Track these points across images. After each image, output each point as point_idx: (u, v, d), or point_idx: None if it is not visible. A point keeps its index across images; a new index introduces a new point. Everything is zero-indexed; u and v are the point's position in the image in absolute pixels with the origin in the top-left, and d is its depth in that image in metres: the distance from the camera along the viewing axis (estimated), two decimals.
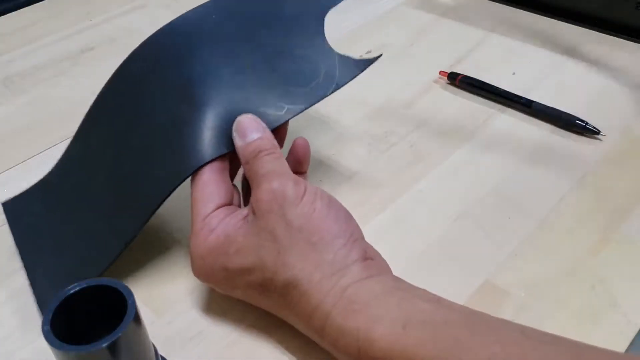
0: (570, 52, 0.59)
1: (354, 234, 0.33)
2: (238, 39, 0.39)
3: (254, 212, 0.34)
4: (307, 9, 0.40)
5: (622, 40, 0.59)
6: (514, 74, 0.57)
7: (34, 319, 0.38)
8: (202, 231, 0.35)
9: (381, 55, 0.40)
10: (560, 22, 0.63)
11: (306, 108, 0.38)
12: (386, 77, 0.58)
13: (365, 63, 0.40)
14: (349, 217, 0.34)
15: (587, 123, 0.48)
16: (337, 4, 0.41)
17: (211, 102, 0.37)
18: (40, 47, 0.66)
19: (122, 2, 0.74)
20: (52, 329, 0.26)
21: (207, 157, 0.36)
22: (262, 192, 0.34)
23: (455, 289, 0.38)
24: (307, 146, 0.39)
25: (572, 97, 0.41)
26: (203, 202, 0.35)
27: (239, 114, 0.37)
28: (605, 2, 0.60)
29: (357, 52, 0.61)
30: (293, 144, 0.39)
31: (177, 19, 0.41)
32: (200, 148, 0.36)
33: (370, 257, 0.33)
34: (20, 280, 0.40)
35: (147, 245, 0.42)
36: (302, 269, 0.32)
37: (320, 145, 0.50)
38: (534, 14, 0.66)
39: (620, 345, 0.34)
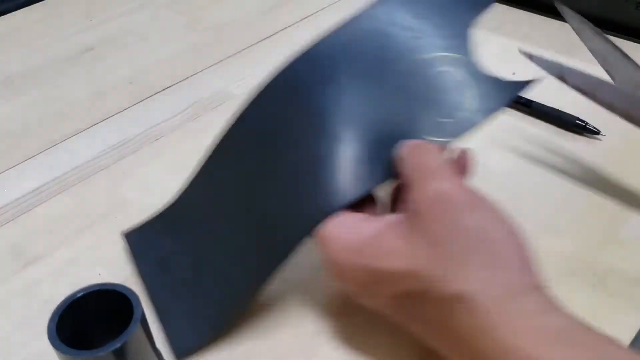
0: (570, 51, 0.59)
1: (527, 254, 0.29)
2: (377, 67, 0.36)
3: (410, 214, 0.30)
4: (452, 31, 0.37)
5: (622, 40, 0.59)
6: (514, 74, 0.57)
7: (34, 319, 0.38)
8: (340, 231, 0.31)
9: (532, 81, 0.36)
10: (560, 22, 0.63)
11: (454, 141, 0.35)
12: None
13: (518, 86, 0.36)
14: (519, 233, 0.30)
15: (587, 123, 0.48)
16: (481, 13, 0.37)
17: (353, 137, 0.34)
18: (40, 47, 0.66)
19: (122, 2, 0.74)
20: (58, 333, 0.26)
21: (352, 196, 0.33)
22: (428, 191, 0.30)
23: None
24: (472, 157, 0.35)
25: (572, 97, 0.41)
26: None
27: (386, 147, 0.34)
28: (605, 2, 0.60)
29: None
30: (457, 154, 0.36)
31: (309, 46, 0.38)
32: (344, 186, 0.33)
33: (544, 285, 0.29)
34: (20, 280, 0.40)
35: None
36: (472, 283, 0.27)
37: None
38: (534, 14, 0.65)
39: None
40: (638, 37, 0.59)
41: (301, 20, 0.68)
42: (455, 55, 0.36)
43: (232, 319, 0.35)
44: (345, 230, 0.31)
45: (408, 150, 0.32)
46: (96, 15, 0.72)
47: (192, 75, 0.60)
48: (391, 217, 0.31)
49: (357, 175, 0.33)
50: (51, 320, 0.26)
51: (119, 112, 0.56)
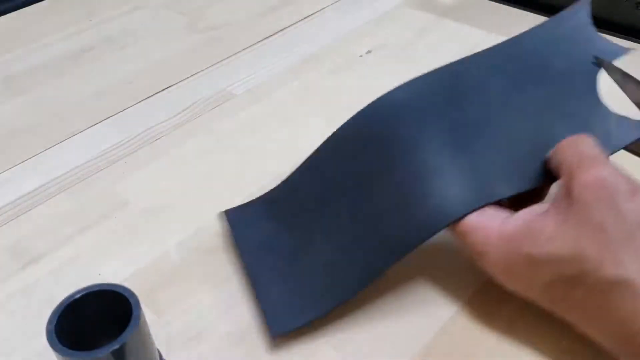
0: None
1: None
2: (506, 93, 0.38)
3: (569, 201, 0.31)
4: (578, 65, 0.38)
5: (622, 40, 0.59)
6: None
7: (34, 319, 0.38)
8: (489, 220, 0.32)
9: None
10: None
11: None
12: (387, 76, 0.57)
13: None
14: None
15: None
16: (612, 58, 0.39)
17: (483, 151, 0.36)
18: (40, 47, 0.66)
19: (122, 2, 0.74)
20: (57, 334, 0.26)
21: (500, 195, 0.34)
22: (588, 179, 0.30)
23: (456, 289, 0.38)
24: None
25: None
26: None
27: (533, 153, 0.35)
28: (605, 2, 0.60)
29: (357, 52, 0.62)
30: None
31: (443, 67, 0.39)
32: (491, 184, 0.34)
33: None
34: (20, 280, 0.40)
35: (148, 245, 0.42)
36: (634, 268, 0.28)
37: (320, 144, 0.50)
38: (534, 14, 0.66)
39: None
40: (638, 37, 0.59)
41: (301, 20, 0.68)
42: (581, 92, 0.38)
43: (336, 304, 0.36)
44: (493, 220, 0.32)
45: (567, 142, 0.34)
46: (96, 15, 0.72)
47: (192, 75, 0.60)
48: (539, 207, 0.32)
49: (508, 175, 0.35)
50: (50, 321, 0.26)
51: (119, 112, 0.56)
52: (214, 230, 0.43)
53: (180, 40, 0.66)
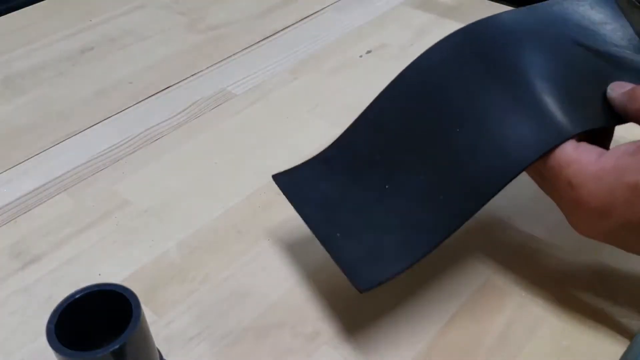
0: None
1: None
2: (562, 41, 0.37)
3: None
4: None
5: None
6: None
7: (34, 319, 0.38)
8: (583, 151, 0.32)
9: None
10: None
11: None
12: (386, 77, 0.57)
13: None
14: None
15: None
16: None
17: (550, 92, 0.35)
18: (40, 47, 0.66)
19: (122, 2, 0.74)
20: (57, 334, 0.26)
21: (585, 127, 0.33)
22: None
23: (456, 289, 0.38)
24: None
25: None
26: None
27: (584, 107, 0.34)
28: None
29: (357, 52, 0.62)
30: None
31: (495, 16, 0.38)
32: (572, 119, 0.33)
33: None
34: (20, 280, 0.40)
35: (148, 245, 0.42)
36: None
37: (320, 146, 0.50)
38: None
39: (620, 345, 0.34)
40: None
41: (301, 20, 0.68)
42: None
43: (419, 256, 0.34)
44: (590, 153, 0.32)
45: None
46: (96, 15, 0.72)
47: (192, 75, 0.60)
48: (633, 146, 0.31)
49: (580, 113, 0.34)
50: (50, 321, 0.26)
51: (119, 112, 0.56)
52: (214, 230, 0.43)
53: (180, 40, 0.66)
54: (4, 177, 0.49)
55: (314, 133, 0.51)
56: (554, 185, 0.33)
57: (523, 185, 0.45)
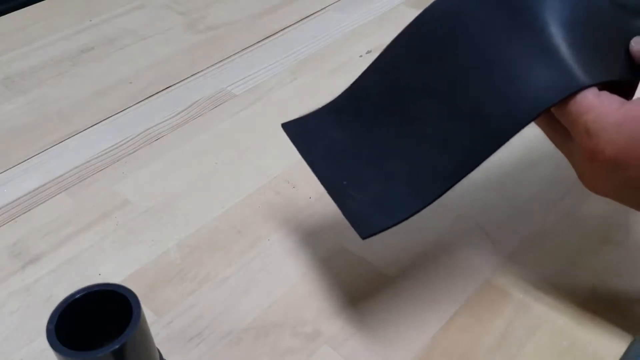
0: None
1: None
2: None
3: None
4: None
5: None
6: None
7: (33, 319, 0.38)
8: (605, 100, 0.30)
9: None
10: None
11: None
12: None
13: None
14: None
15: None
16: None
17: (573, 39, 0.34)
18: (40, 47, 0.66)
19: (122, 2, 0.74)
20: (58, 333, 0.26)
21: (607, 77, 0.32)
22: None
23: (455, 289, 0.38)
24: None
25: None
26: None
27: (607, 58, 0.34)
28: None
29: (357, 52, 0.62)
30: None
31: None
32: (595, 68, 0.32)
33: None
34: (20, 280, 0.40)
35: (148, 245, 0.42)
36: None
37: None
38: None
39: (620, 345, 0.34)
40: None
41: (301, 20, 0.68)
42: None
43: (427, 203, 0.34)
44: (612, 101, 0.30)
45: None
46: (96, 15, 0.72)
47: (192, 75, 0.60)
48: None
49: (606, 62, 0.33)
50: (50, 320, 0.26)
51: (119, 112, 0.56)
52: (214, 230, 0.43)
53: (180, 40, 0.66)
54: (4, 177, 0.49)
55: None
56: (571, 132, 0.32)
57: (523, 186, 0.46)
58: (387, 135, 0.37)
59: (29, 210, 0.46)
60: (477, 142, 0.34)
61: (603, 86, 0.33)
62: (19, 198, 0.47)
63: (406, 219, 0.33)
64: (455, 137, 0.34)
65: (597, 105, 0.30)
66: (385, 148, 0.37)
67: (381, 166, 0.36)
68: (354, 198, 0.35)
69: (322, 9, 0.70)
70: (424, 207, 0.33)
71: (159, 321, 0.37)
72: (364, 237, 0.33)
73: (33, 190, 0.47)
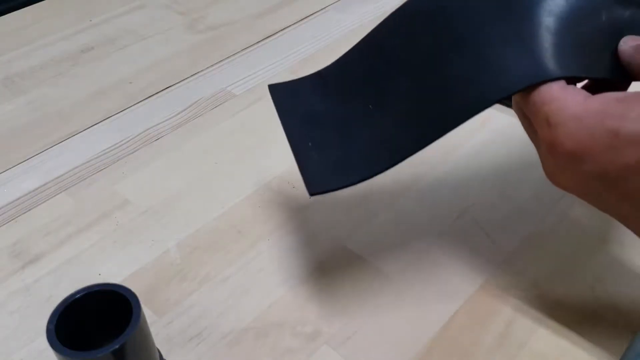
0: None
1: None
2: None
3: None
4: None
5: None
6: None
7: (33, 319, 0.38)
8: (569, 93, 0.30)
9: None
10: None
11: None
12: None
13: None
14: None
15: None
16: None
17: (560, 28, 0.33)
18: (40, 47, 0.66)
19: (122, 2, 0.74)
20: (57, 333, 0.26)
21: (564, 73, 0.31)
22: None
23: (456, 289, 0.38)
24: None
25: None
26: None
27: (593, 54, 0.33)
28: None
29: None
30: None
31: None
32: (569, 62, 0.32)
33: None
34: (20, 280, 0.40)
35: (148, 245, 0.42)
36: None
37: None
38: None
39: (619, 345, 0.34)
40: None
41: (301, 20, 0.68)
42: None
43: (378, 171, 0.35)
44: (577, 94, 0.30)
45: None
46: (96, 15, 0.72)
47: (192, 75, 0.60)
48: (633, 92, 0.30)
49: (586, 57, 0.33)
50: (50, 321, 0.26)
51: (119, 112, 0.56)
52: (214, 230, 0.43)
53: (180, 40, 0.66)
54: (4, 177, 0.49)
55: None
56: (534, 122, 0.31)
57: (523, 186, 0.46)
58: (360, 106, 0.38)
59: (29, 210, 0.46)
60: (437, 119, 0.34)
61: (595, 86, 0.33)
62: (19, 198, 0.47)
63: (354, 183, 0.34)
64: (418, 113, 0.35)
65: (560, 97, 0.30)
66: (355, 118, 0.38)
67: (347, 134, 0.37)
68: (314, 159, 0.36)
69: (322, 9, 0.70)
70: (373, 175, 0.35)
71: (159, 321, 0.37)
72: (311, 194, 0.34)
73: (33, 190, 0.47)
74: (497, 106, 0.53)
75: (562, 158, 0.30)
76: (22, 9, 0.74)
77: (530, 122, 0.32)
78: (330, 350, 0.35)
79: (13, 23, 0.71)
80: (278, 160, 0.48)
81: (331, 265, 0.40)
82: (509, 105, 0.53)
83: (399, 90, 0.37)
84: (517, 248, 0.41)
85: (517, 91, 0.32)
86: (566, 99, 0.30)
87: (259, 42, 0.65)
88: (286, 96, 0.41)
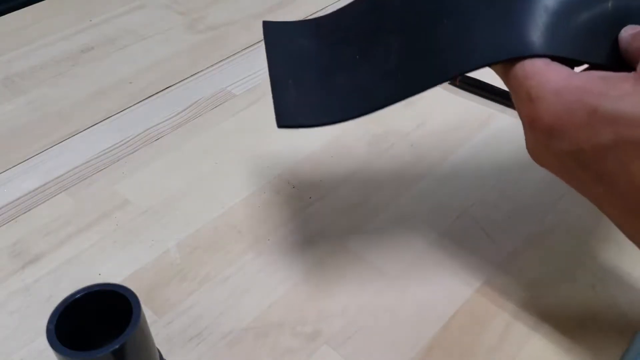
0: None
1: None
2: None
3: None
4: None
5: None
6: None
7: (33, 319, 0.38)
8: (553, 69, 0.29)
9: None
10: None
11: None
12: None
13: None
14: None
15: None
16: None
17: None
18: (40, 47, 0.66)
19: (122, 2, 0.74)
20: (57, 333, 0.26)
21: (551, 50, 0.31)
22: None
23: (456, 288, 0.38)
24: None
25: None
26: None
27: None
28: None
29: None
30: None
31: None
32: (562, 40, 0.31)
33: None
34: (20, 280, 0.40)
35: (148, 245, 0.42)
36: None
37: (320, 145, 0.50)
38: None
39: (619, 345, 0.34)
40: None
41: (301, 20, 0.68)
42: None
43: (350, 116, 0.35)
44: (560, 70, 0.29)
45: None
46: (96, 15, 0.72)
47: (192, 75, 0.60)
48: (617, 73, 0.29)
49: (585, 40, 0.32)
50: (50, 321, 0.26)
51: (119, 112, 0.56)
52: (214, 230, 0.43)
53: (180, 40, 0.66)
54: (4, 177, 0.49)
55: (314, 133, 0.51)
56: (515, 97, 0.31)
57: (523, 186, 0.46)
58: (348, 55, 0.39)
59: (29, 210, 0.46)
60: (419, 75, 0.34)
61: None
62: (19, 198, 0.47)
63: (324, 124, 0.35)
64: (402, 68, 0.35)
65: (542, 72, 0.29)
66: (339, 64, 0.38)
67: (328, 78, 0.38)
68: (291, 95, 0.37)
69: (322, 9, 0.70)
70: (344, 120, 0.35)
71: (159, 321, 0.37)
72: (278, 126, 0.35)
73: (33, 190, 0.47)
74: (497, 106, 0.53)
75: (540, 133, 0.30)
76: (22, 9, 0.74)
77: (512, 94, 0.32)
78: (330, 350, 0.35)
79: (13, 23, 0.71)
80: (278, 160, 0.48)
81: (331, 265, 0.40)
82: (509, 106, 0.53)
83: (388, 46, 0.37)
84: (517, 248, 0.41)
85: (499, 61, 0.32)
86: (549, 74, 0.29)
87: (259, 42, 0.65)
88: (277, 34, 0.42)
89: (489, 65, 0.32)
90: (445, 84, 0.56)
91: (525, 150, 0.49)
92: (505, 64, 0.31)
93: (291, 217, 0.44)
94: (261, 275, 0.40)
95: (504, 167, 0.47)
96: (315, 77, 0.38)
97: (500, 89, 0.53)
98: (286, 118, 0.35)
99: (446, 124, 0.51)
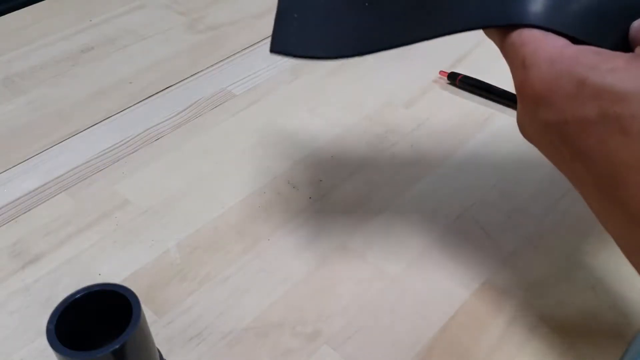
0: None
1: None
2: None
3: None
4: None
5: None
6: None
7: (33, 319, 0.38)
8: (550, 38, 0.29)
9: None
10: None
11: None
12: (386, 76, 0.58)
13: None
14: None
15: None
16: None
17: None
18: (40, 47, 0.66)
19: (122, 2, 0.74)
20: (57, 333, 0.26)
21: (552, 23, 0.30)
22: None
23: (456, 288, 0.38)
24: None
25: None
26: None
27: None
28: None
29: None
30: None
31: None
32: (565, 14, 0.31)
33: None
34: (20, 280, 0.40)
35: (148, 245, 0.42)
36: None
37: (320, 144, 0.50)
38: None
39: (619, 345, 0.34)
40: None
41: None
42: None
43: (344, 54, 0.35)
44: (556, 41, 0.29)
45: None
46: (96, 15, 0.72)
47: (192, 75, 0.60)
48: (604, 49, 0.29)
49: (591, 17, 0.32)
50: (50, 321, 0.26)
51: (119, 112, 0.56)
52: (214, 230, 0.43)
53: (180, 40, 0.66)
54: (4, 177, 0.49)
55: (314, 133, 0.51)
56: (511, 66, 0.31)
57: (523, 185, 0.46)
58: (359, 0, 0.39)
59: (29, 210, 0.46)
60: (416, 26, 0.35)
61: None
62: (19, 198, 0.47)
63: (316, 58, 0.35)
64: (405, 17, 0.36)
65: (538, 40, 0.29)
66: (347, 5, 0.38)
67: (333, 18, 0.38)
68: (292, 26, 0.37)
69: None
70: (335, 58, 0.35)
71: (159, 321, 0.37)
72: (270, 51, 0.35)
73: (33, 190, 0.47)
74: (497, 106, 0.53)
75: (529, 101, 0.29)
76: (22, 9, 0.74)
77: (508, 61, 0.32)
78: (330, 350, 0.35)
79: (13, 23, 0.71)
80: (278, 160, 0.48)
81: (331, 265, 0.40)
82: (509, 106, 0.53)
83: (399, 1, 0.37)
84: (517, 248, 0.41)
85: (499, 24, 0.31)
86: (545, 42, 0.29)
87: (259, 42, 0.65)
88: None
89: (490, 27, 0.32)
90: (446, 84, 0.56)
91: (526, 150, 0.49)
92: (505, 30, 0.31)
93: (291, 217, 0.44)
94: (261, 275, 0.40)
95: (504, 167, 0.47)
96: (320, 15, 0.38)
97: (500, 89, 0.53)
98: (279, 45, 0.36)
99: (446, 124, 0.52)
